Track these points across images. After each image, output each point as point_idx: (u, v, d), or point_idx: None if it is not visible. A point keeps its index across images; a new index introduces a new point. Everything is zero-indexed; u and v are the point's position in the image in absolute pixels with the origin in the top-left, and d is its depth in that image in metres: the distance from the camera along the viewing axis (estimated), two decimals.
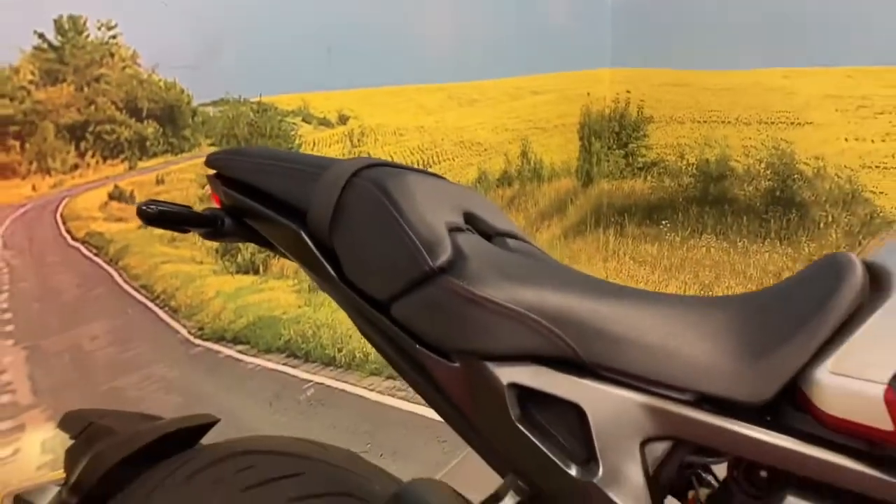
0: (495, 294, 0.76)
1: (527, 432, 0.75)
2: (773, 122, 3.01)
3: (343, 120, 1.80)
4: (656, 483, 0.73)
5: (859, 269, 0.68)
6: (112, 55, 1.31)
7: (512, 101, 2.52)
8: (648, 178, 3.22)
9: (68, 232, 1.27)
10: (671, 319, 0.73)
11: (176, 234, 1.44)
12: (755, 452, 0.69)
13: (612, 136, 3.27)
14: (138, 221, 1.36)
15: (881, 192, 2.78)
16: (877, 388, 0.63)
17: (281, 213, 0.89)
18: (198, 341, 1.50)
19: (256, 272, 1.63)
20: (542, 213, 2.81)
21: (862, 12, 2.74)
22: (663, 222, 3.23)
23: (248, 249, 1.59)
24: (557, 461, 0.74)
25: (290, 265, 1.72)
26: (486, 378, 0.77)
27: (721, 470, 0.79)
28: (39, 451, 1.24)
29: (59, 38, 1.22)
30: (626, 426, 0.73)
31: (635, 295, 0.77)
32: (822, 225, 2.96)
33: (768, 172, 3.02)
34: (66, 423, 1.16)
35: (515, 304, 0.75)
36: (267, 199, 0.91)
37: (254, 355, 1.63)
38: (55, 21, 1.22)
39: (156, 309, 1.42)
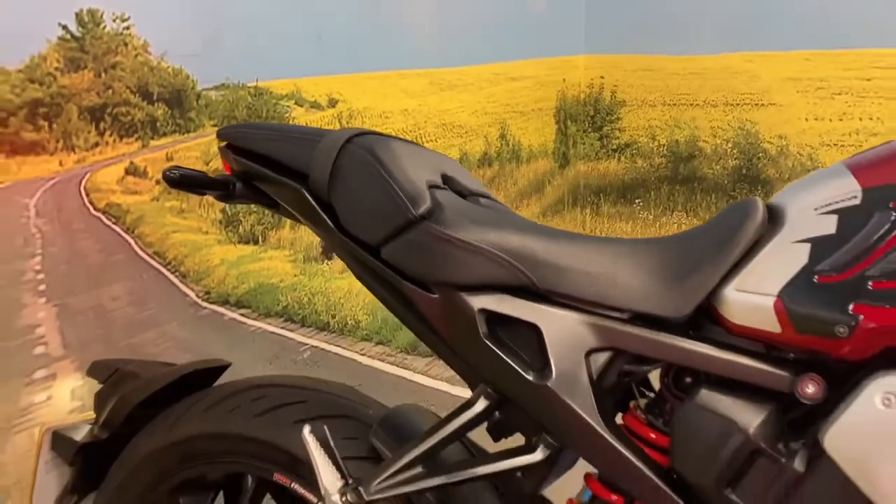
0: (467, 236, 0.92)
1: (494, 347, 0.92)
2: (738, 104, 3.19)
3: (332, 103, 1.96)
4: (600, 387, 0.90)
5: (760, 210, 0.85)
6: (126, 44, 1.46)
7: (491, 87, 2.69)
8: (622, 159, 3.39)
9: (90, 203, 1.43)
10: (609, 253, 0.90)
11: (184, 206, 1.60)
12: (679, 358, 0.86)
13: (587, 119, 3.43)
14: (152, 194, 1.53)
15: None
16: (768, 300, 0.80)
17: (286, 176, 1.04)
18: (205, 304, 1.66)
19: (256, 242, 1.79)
20: (522, 192, 2.97)
21: None
22: (636, 201, 3.40)
23: (248, 221, 1.75)
24: (519, 369, 0.90)
25: (287, 237, 1.88)
26: (460, 305, 0.93)
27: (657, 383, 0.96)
28: (69, 397, 1.40)
29: (80, 29, 1.38)
30: (574, 340, 0.89)
31: (580, 237, 0.94)
32: None
33: (735, 152, 3.20)
34: (94, 370, 1.32)
35: (483, 243, 0.92)
36: (272, 165, 1.07)
37: (255, 318, 1.79)
38: (76, 14, 1.37)
39: (168, 274, 1.58)
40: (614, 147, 3.40)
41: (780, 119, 3.11)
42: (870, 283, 0.76)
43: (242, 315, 1.76)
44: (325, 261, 1.98)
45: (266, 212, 1.78)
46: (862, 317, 0.76)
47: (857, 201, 0.81)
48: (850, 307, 0.76)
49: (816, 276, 0.79)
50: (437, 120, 2.42)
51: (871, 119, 2.92)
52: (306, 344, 1.95)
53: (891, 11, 2.88)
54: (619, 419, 0.96)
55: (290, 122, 1.84)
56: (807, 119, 3.03)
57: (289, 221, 1.86)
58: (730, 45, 3.17)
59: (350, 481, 0.93)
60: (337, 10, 1.94)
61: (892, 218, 0.78)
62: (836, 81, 2.98)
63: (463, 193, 1.08)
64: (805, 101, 3.05)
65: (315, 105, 1.91)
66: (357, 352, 2.13)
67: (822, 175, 0.86)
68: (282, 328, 1.87)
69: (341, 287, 2.04)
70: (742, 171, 3.19)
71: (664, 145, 3.31)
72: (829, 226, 0.81)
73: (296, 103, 1.85)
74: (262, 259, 1.81)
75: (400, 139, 1.07)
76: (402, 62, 2.20)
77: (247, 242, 1.77)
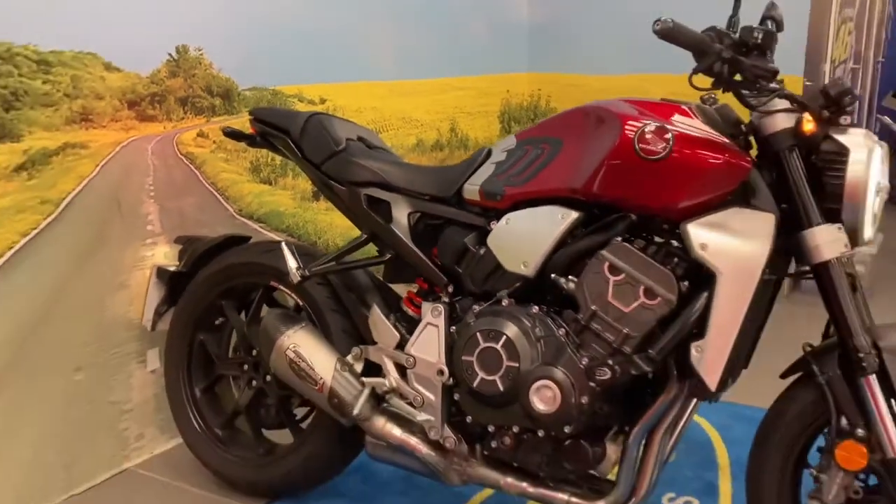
0: (360, 160, 2.08)
1: (370, 211, 2.07)
2: None
3: (322, 101, 3.12)
4: (415, 229, 2.03)
5: (487, 150, 1.99)
6: (200, 63, 2.63)
7: (441, 94, 3.83)
8: None
9: (178, 150, 2.60)
10: (423, 170, 2.06)
11: (228, 158, 2.76)
12: (446, 214, 2.00)
13: (528, 121, 4.56)
14: (210, 149, 2.69)
15: None
16: (476, 187, 1.95)
17: (280, 132, 2.20)
18: (238, 217, 2.83)
19: (270, 184, 2.96)
20: None
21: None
22: None
23: (266, 170, 2.92)
24: (380, 220, 2.06)
25: (290, 183, 3.04)
26: (355, 193, 2.09)
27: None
28: (163, 256, 2.56)
29: (177, 54, 2.55)
30: (403, 207, 2.05)
31: (413, 165, 2.09)
32: None
33: None
34: (178, 239, 2.50)
35: (367, 164, 2.07)
36: (274, 127, 2.22)
37: (268, 230, 2.95)
38: (176, 47, 2.55)
39: (218, 196, 2.75)
40: None
41: None
42: (511, 177, 1.90)
43: (261, 227, 2.92)
44: (315, 201, 3.13)
45: (276, 164, 2.95)
46: (506, 191, 1.89)
47: (513, 146, 1.95)
48: (502, 187, 1.89)
49: (496, 176, 1.93)
50: (399, 115, 3.57)
51: None
52: None
53: None
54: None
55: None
56: None
57: (291, 172, 3.01)
58: (632, 68, 4.29)
59: (300, 265, 2.07)
60: (327, 39, 3.10)
61: (524, 152, 1.91)
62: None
63: (369, 146, 2.23)
64: None
65: (311, 102, 3.07)
66: None
67: (506, 138, 2.00)
68: (286, 239, 3.01)
69: (325, 220, 3.19)
70: None
71: None
72: (503, 156, 1.95)
73: (298, 100, 3.02)
74: (274, 195, 2.98)
75: (340, 118, 2.23)
76: (371, 75, 3.37)
77: (265, 183, 2.94)
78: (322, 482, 2.34)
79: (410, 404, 1.99)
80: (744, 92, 1.70)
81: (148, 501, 2.39)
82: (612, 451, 1.84)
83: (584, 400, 1.72)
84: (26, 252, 2.19)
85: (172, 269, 2.42)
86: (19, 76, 2.11)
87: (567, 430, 1.76)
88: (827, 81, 1.67)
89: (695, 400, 1.87)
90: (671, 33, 1.63)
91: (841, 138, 1.65)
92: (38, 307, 2.25)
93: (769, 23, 1.82)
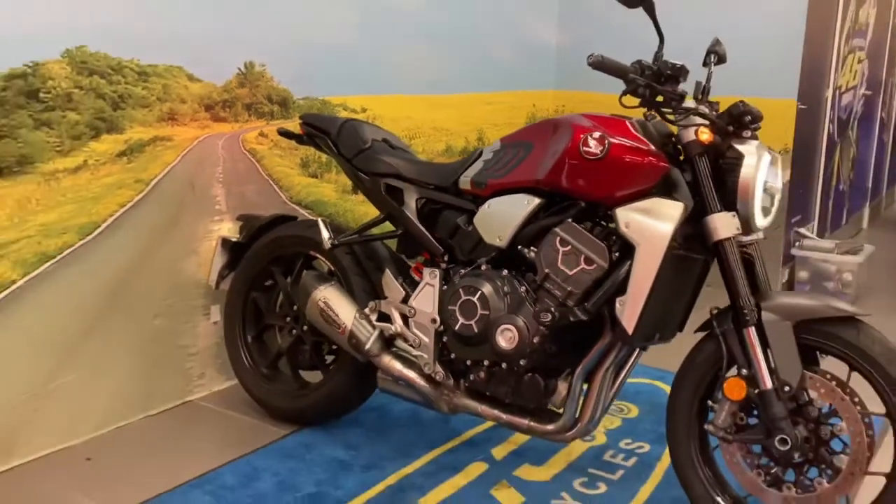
0: (382, 157, 2.68)
1: (388, 197, 2.68)
2: None
3: (363, 111, 3.72)
4: (421, 212, 2.62)
5: (479, 151, 2.56)
6: (263, 76, 3.26)
7: (471, 108, 4.40)
8: None
9: (243, 146, 3.23)
10: (430, 164, 2.63)
11: (282, 154, 3.38)
12: (446, 200, 2.57)
13: None
14: (269, 146, 3.31)
15: None
16: (469, 178, 2.52)
17: (322, 133, 2.80)
18: (289, 203, 3.45)
19: (316, 178, 3.57)
20: None
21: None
22: None
23: (313, 166, 3.52)
24: (395, 203, 2.65)
25: (333, 178, 3.64)
26: (377, 182, 2.69)
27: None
28: (227, 230, 3.18)
29: (245, 69, 3.18)
30: (412, 193, 2.64)
31: (424, 160, 2.66)
32: None
33: None
34: (240, 217, 3.11)
35: (386, 159, 2.66)
36: (318, 129, 2.82)
37: (313, 216, 3.55)
38: (244, 63, 3.17)
39: (273, 185, 3.37)
40: None
41: None
42: (496, 171, 2.46)
43: (307, 212, 3.53)
44: (354, 194, 3.73)
45: (322, 161, 3.56)
46: (489, 182, 2.45)
47: (498, 148, 2.51)
48: (487, 179, 2.46)
49: (483, 171, 2.50)
50: (430, 125, 4.16)
51: None
52: None
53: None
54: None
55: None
56: None
57: (335, 169, 3.62)
58: None
59: (332, 236, 2.66)
60: (369, 57, 3.71)
61: (504, 153, 2.48)
62: None
63: (392, 146, 2.81)
64: None
65: (353, 111, 3.68)
66: None
67: (494, 142, 2.56)
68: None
69: (362, 209, 3.79)
70: None
71: None
72: (490, 155, 2.53)
73: (343, 109, 3.63)
74: (319, 187, 3.59)
75: (370, 123, 2.82)
76: (408, 90, 3.97)
77: (312, 177, 3.55)
78: (344, 413, 2.93)
79: (410, 346, 2.56)
80: (663, 110, 2.23)
81: (206, 425, 3.01)
82: (562, 387, 2.38)
83: (536, 340, 2.27)
84: (123, 219, 2.84)
85: (234, 240, 3.05)
86: (125, 83, 2.76)
87: (522, 363, 2.31)
88: (741, 107, 2.18)
89: (637, 351, 2.40)
90: (601, 64, 2.18)
91: (740, 147, 2.17)
92: (129, 264, 2.89)
93: (713, 56, 2.35)
